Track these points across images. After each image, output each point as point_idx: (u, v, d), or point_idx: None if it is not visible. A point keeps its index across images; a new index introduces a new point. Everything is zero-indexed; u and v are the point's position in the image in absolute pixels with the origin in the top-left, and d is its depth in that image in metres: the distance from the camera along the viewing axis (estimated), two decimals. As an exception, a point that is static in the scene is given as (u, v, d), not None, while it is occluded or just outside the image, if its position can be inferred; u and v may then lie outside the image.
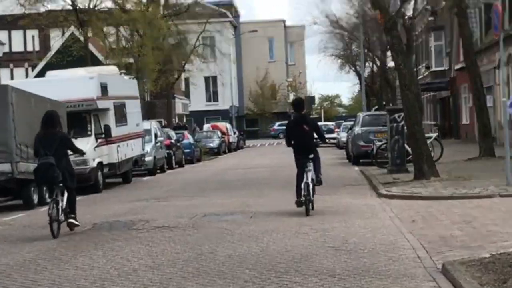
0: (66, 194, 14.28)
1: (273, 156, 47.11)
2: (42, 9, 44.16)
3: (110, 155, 26.28)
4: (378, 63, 69.88)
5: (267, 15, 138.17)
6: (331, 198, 18.92)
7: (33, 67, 57.20)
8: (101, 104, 25.75)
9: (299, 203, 15.41)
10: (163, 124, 58.76)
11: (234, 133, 66.39)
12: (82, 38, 46.14)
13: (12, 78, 63.85)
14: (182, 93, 79.65)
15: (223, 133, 61.19)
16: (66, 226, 14.32)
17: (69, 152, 14.88)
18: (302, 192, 15.27)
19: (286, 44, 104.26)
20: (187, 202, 19.52)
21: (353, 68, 78.28)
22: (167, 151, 38.12)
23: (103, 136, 25.58)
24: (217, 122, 70.24)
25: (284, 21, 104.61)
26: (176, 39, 57.53)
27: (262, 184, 23.76)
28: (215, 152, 55.83)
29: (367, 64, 77.87)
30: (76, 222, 14.43)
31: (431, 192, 18.23)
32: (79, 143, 24.21)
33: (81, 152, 15.95)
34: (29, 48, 65.73)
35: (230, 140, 62.92)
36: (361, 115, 34.59)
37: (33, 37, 61.63)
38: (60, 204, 14.14)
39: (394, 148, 24.12)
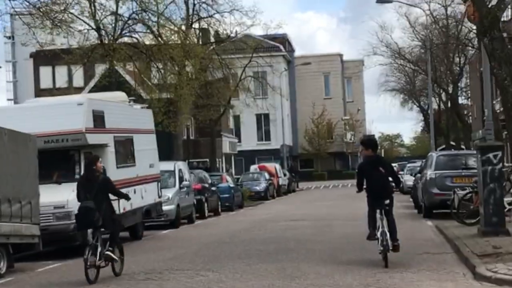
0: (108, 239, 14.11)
1: (325, 203, 40.50)
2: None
3: (108, 205, 19.98)
4: (444, 98, 63.07)
5: (323, 50, 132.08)
6: (403, 282, 12.30)
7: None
8: (94, 139, 19.58)
9: (371, 236, 14.02)
10: (207, 165, 52.88)
11: (285, 174, 59.83)
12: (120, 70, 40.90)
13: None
14: (230, 130, 73.50)
15: (271, 174, 54.76)
16: (105, 261, 14.07)
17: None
18: (380, 242, 13.69)
19: (343, 79, 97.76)
20: (181, 286, 12.96)
21: (416, 104, 71.40)
22: (198, 197, 31.89)
23: (97, 180, 19.32)
24: (266, 163, 63.94)
25: (341, 55, 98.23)
26: (222, 72, 51.66)
27: (301, 252, 16.98)
28: (261, 197, 49.42)
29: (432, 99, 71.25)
30: (114, 256, 14.26)
31: None
32: (63, 190, 18.52)
33: (125, 197, 15.42)
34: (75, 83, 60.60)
35: (280, 183, 56.43)
36: (434, 155, 27.78)
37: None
38: (99, 250, 13.88)
39: (489, 200, 17.23)
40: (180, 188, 28.50)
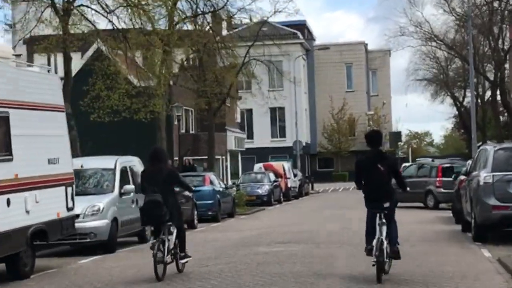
0: (174, 234, 13.46)
1: (338, 212, 31.77)
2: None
3: None
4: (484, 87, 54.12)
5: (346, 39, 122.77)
6: None
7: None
8: None
9: (369, 252, 12.11)
10: (205, 166, 44.45)
11: (295, 175, 50.95)
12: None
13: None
14: (237, 125, 64.71)
15: (278, 175, 46.04)
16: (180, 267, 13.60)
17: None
18: (374, 251, 11.89)
19: (368, 71, 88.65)
20: None
21: (449, 94, 62.24)
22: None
23: None
24: (274, 161, 55.24)
25: (365, 44, 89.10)
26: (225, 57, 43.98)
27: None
28: (263, 202, 40.76)
29: (464, 92, 62.14)
30: (187, 260, 13.85)
31: None
32: None
33: (191, 189, 15.28)
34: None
35: (289, 185, 47.64)
36: (489, 149, 18.71)
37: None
38: (167, 245, 13.21)
39: None
40: (121, 194, 19.84)
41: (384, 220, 12.16)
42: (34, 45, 36.63)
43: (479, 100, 57.92)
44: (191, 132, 54.40)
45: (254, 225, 26.46)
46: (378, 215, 12.25)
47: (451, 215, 25.69)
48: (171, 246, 13.34)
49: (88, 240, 18.46)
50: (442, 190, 32.34)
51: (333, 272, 13.10)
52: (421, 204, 33.25)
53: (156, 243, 13.12)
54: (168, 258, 13.24)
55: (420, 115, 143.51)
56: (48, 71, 17.84)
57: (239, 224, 28.25)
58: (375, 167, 12.36)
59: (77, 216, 18.11)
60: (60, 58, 48.81)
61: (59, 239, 16.79)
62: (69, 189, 16.21)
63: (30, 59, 64.39)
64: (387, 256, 12.02)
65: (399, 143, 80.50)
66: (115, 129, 38.41)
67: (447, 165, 34.28)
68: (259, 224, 26.90)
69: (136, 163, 22.07)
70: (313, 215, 30.98)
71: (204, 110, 47.19)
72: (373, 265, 11.89)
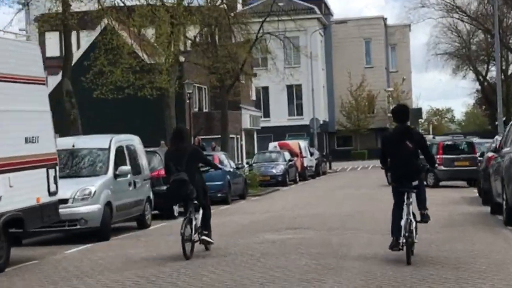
0: (200, 212, 13.54)
1: (356, 192, 29.96)
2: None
3: None
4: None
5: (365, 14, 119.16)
6: None
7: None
8: None
9: (395, 245, 11.28)
10: (213, 145, 42.64)
11: (312, 154, 49.05)
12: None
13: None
14: (252, 103, 62.81)
15: (294, 154, 44.20)
16: (200, 244, 13.44)
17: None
18: (402, 231, 11.19)
19: (387, 46, 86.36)
20: None
21: (472, 69, 59.98)
22: (161, 189, 21.74)
23: None
24: (290, 140, 53.36)
25: (384, 19, 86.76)
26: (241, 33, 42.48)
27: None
28: (278, 182, 38.98)
29: (487, 66, 59.96)
30: (210, 240, 13.73)
31: None
32: None
33: (215, 166, 15.05)
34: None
35: (305, 164, 45.76)
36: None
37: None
38: (194, 223, 13.27)
39: None
40: (116, 176, 18.11)
41: (412, 200, 11.56)
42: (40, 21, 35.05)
43: (502, 75, 55.77)
44: (204, 110, 52.68)
45: (265, 208, 24.70)
46: (406, 194, 11.60)
47: (477, 195, 23.88)
48: (198, 225, 13.34)
49: (78, 227, 16.78)
50: (442, 168, 31.10)
51: (344, 266, 11.30)
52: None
53: (184, 222, 13.13)
54: (195, 237, 13.23)
55: (441, 91, 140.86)
56: (27, 38, 16.07)
57: (250, 206, 26.48)
58: (403, 144, 11.68)
59: (66, 201, 16.53)
60: (73, 35, 47.41)
61: (45, 226, 15.21)
62: (52, 171, 14.49)
63: (42, 38, 62.86)
64: (416, 231, 11.50)
65: (419, 120, 78.37)
66: (120, 106, 36.70)
67: (448, 143, 33.71)
68: (270, 207, 25.14)
69: (135, 142, 20.35)
70: (329, 196, 29.17)
71: (217, 87, 45.48)
72: (401, 246, 11.23)
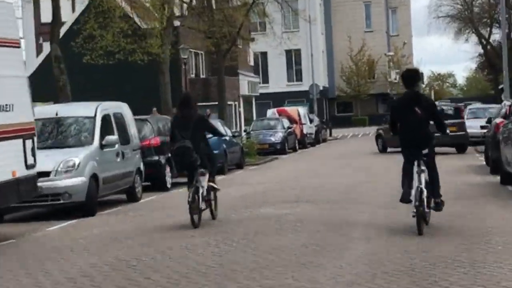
0: (206, 179, 13.36)
1: (357, 161, 28.89)
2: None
3: None
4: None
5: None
6: None
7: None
8: None
9: (406, 199, 10.97)
10: (207, 113, 41.40)
11: (311, 120, 47.94)
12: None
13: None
14: (250, 68, 61.56)
15: (293, 121, 43.09)
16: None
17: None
18: (413, 202, 10.81)
19: (387, 9, 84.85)
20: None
21: (474, 32, 58.66)
22: (155, 159, 20.74)
23: None
24: (288, 106, 52.22)
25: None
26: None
27: None
28: (277, 150, 37.92)
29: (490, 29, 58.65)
30: (216, 186, 13.77)
31: None
32: None
33: (221, 134, 15.30)
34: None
35: (304, 131, 44.67)
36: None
37: None
38: (201, 191, 13.13)
39: None
40: (102, 146, 17.02)
41: (423, 168, 11.19)
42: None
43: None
44: (201, 76, 51.49)
45: (262, 178, 23.64)
46: (416, 162, 11.24)
47: (484, 163, 22.82)
48: (205, 193, 13.23)
49: (61, 201, 15.71)
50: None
51: (345, 246, 10.24)
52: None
53: (190, 191, 13.05)
54: (202, 205, 13.18)
55: (443, 56, 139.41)
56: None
57: (247, 176, 25.43)
58: (412, 110, 11.25)
59: (48, 173, 15.49)
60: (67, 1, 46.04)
61: (26, 201, 14.20)
62: (29, 142, 13.40)
63: (37, 3, 61.25)
64: (428, 206, 11.03)
65: (421, 84, 77.17)
66: (111, 71, 35.47)
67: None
68: (268, 177, 24.08)
69: (123, 110, 19.24)
70: (330, 164, 28.10)
71: (214, 52, 44.27)
72: (413, 216, 10.82)
